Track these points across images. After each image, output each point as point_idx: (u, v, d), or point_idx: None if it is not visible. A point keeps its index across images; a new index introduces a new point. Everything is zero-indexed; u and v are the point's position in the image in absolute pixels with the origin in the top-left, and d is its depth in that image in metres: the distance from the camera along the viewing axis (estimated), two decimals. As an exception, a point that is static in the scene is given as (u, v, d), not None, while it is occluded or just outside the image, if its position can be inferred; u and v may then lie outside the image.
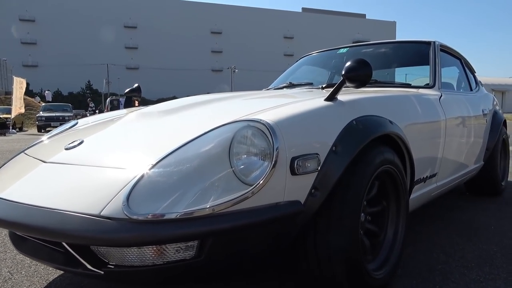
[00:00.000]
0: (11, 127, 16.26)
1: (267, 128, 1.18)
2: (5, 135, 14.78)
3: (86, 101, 25.75)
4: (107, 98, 21.66)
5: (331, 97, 1.46)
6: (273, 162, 1.13)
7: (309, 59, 3.26)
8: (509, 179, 3.52)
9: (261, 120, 1.21)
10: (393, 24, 77.30)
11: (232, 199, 1.09)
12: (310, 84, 2.70)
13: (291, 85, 2.73)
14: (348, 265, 1.32)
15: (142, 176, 1.13)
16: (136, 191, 1.08)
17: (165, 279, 1.16)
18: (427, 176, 1.98)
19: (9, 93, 20.89)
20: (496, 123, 3.05)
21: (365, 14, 78.23)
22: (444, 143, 2.07)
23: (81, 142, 1.47)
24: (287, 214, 1.18)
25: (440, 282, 1.60)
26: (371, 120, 1.47)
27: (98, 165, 1.28)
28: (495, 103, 3.32)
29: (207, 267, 1.15)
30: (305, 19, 70.41)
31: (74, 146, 1.45)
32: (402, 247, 1.63)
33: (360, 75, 1.44)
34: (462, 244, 2.03)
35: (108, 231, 1.02)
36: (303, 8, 74.80)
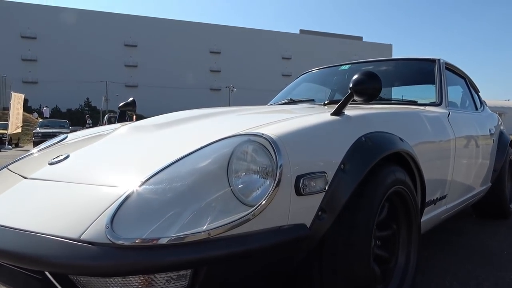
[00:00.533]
0: (7, 143, 16.11)
1: (270, 143, 1.07)
2: (0, 151, 14.61)
3: (85, 117, 25.69)
4: (105, 115, 21.60)
5: (338, 112, 1.36)
6: (276, 181, 1.02)
7: (309, 76, 3.18)
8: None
9: (263, 134, 1.10)
10: (389, 47, 78.41)
11: (231, 222, 0.97)
12: (312, 100, 2.61)
13: (291, 102, 2.64)
14: (358, 296, 1.18)
15: (129, 195, 1.01)
16: (122, 212, 0.96)
17: (153, 312, 1.03)
18: (437, 198, 1.87)
19: (7, 108, 20.81)
20: (503, 143, 2.95)
21: (362, 37, 79.44)
22: (453, 163, 1.96)
23: (67, 157, 1.36)
24: (291, 239, 1.06)
25: (456, 315, 1.46)
26: (380, 137, 1.37)
27: (82, 182, 1.15)
28: (500, 123, 3.24)
29: (201, 299, 1.01)
30: (303, 40, 71.34)
31: (59, 161, 1.34)
32: (415, 274, 1.49)
33: (368, 88, 1.34)
34: (475, 271, 1.89)
35: (88, 257, 0.89)
36: (301, 30, 75.88)
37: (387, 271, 1.45)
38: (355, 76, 1.36)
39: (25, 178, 1.30)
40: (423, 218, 1.74)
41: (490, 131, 2.74)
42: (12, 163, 1.63)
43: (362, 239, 1.18)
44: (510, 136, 3.19)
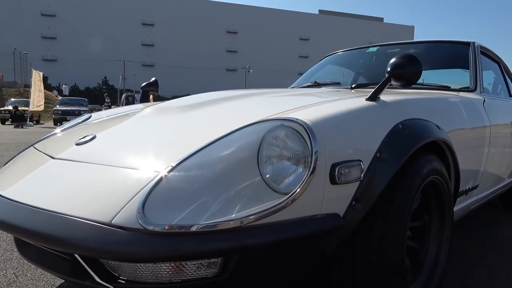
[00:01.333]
0: (28, 120, 16.44)
1: (305, 129, 1.02)
2: (22, 127, 14.93)
3: (103, 96, 25.96)
4: (122, 94, 21.77)
5: (374, 97, 1.29)
6: (311, 169, 0.97)
7: (334, 58, 3.09)
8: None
9: (297, 119, 1.05)
10: (411, 29, 76.16)
11: (263, 211, 0.93)
12: (337, 83, 2.53)
13: (316, 84, 2.57)
14: (390, 289, 1.15)
15: (160, 180, 0.98)
16: (152, 197, 0.93)
17: (182, 299, 1.01)
18: (469, 188, 1.80)
19: (28, 86, 21.16)
20: (536, 132, 2.82)
21: (383, 18, 77.29)
22: (488, 152, 1.88)
23: (93, 138, 1.33)
24: (324, 229, 1.02)
25: (487, 309, 1.42)
26: (418, 124, 1.30)
27: (110, 164, 1.13)
28: (533, 110, 3.09)
29: (230, 287, 0.99)
30: (322, 21, 69.84)
31: (86, 142, 1.32)
32: (445, 266, 1.45)
33: (407, 73, 1.27)
34: (505, 264, 1.83)
35: (120, 243, 0.87)
36: (319, 10, 74.24)
37: (417, 263, 1.41)
38: (393, 59, 1.29)
39: (53, 158, 1.29)
40: (454, 209, 1.67)
41: (524, 119, 2.62)
42: (38, 141, 1.62)
43: (397, 231, 1.14)
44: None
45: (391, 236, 1.13)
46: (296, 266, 1.06)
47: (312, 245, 1.03)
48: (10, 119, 16.41)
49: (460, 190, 1.65)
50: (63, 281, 1.62)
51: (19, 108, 16.23)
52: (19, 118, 15.70)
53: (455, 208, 1.68)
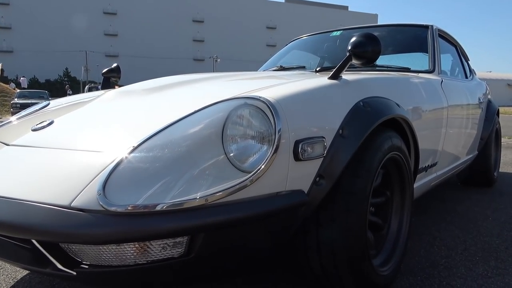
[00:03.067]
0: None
1: (268, 107, 1.02)
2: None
3: (64, 88, 24.96)
4: (85, 86, 21.02)
5: (336, 76, 1.31)
6: (274, 146, 0.98)
7: (299, 43, 3.10)
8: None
9: (260, 97, 1.05)
10: (375, 17, 77.72)
11: (228, 188, 0.93)
12: (303, 67, 2.55)
13: (282, 69, 2.57)
14: (354, 262, 1.18)
15: (121, 161, 0.96)
16: (113, 178, 0.91)
17: (149, 280, 1.00)
18: (428, 165, 1.87)
19: (-19, 78, 19.99)
20: (491, 112, 2.97)
21: (347, 6, 78.44)
22: (446, 130, 1.96)
23: (51, 123, 1.28)
24: (289, 206, 1.04)
25: (446, 278, 1.49)
26: (378, 102, 1.33)
27: (69, 148, 1.09)
28: (488, 92, 3.25)
29: (198, 267, 0.99)
30: (288, 9, 69.92)
31: (43, 127, 1.26)
32: (407, 241, 1.51)
33: (368, 51, 1.29)
34: (462, 237, 1.93)
35: (80, 225, 0.85)
36: (286, -1, 74.35)
37: (380, 238, 1.46)
38: (354, 38, 1.31)
39: (7, 145, 1.23)
40: (415, 185, 1.74)
41: (479, 99, 2.75)
42: (-8, 130, 1.54)
43: (360, 206, 1.17)
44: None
45: (354, 211, 1.16)
46: (262, 243, 1.08)
47: (277, 221, 1.04)
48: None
49: (420, 167, 1.71)
50: (25, 273, 1.57)
51: (-27, 102, 15.33)
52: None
53: (415, 185, 1.75)
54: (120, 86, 2.58)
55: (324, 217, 1.15)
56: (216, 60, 46.21)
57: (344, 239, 1.15)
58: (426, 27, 2.44)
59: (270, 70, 2.59)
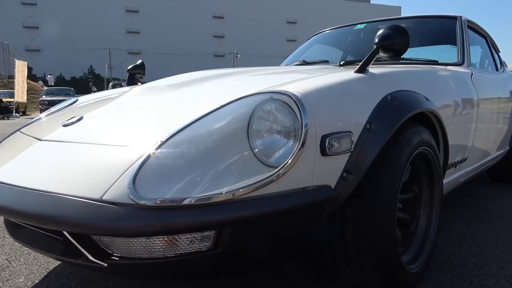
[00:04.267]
0: (14, 111, 16.14)
1: (295, 102, 1.01)
2: (8, 119, 14.67)
3: (89, 85, 25.55)
4: (109, 83, 21.48)
5: (362, 69, 1.29)
6: (301, 141, 0.97)
7: (321, 37, 3.06)
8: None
9: (286, 92, 1.04)
10: (398, 9, 75.90)
11: (254, 183, 0.93)
12: (326, 61, 2.52)
13: (304, 63, 2.55)
14: (381, 259, 1.17)
15: (150, 155, 0.97)
16: (143, 172, 0.93)
17: (177, 273, 1.02)
18: (458, 160, 1.82)
19: (12, 77, 20.70)
20: (523, 106, 2.86)
21: (370, -1, 76.94)
22: (476, 124, 1.90)
23: (80, 118, 1.31)
24: (315, 201, 1.03)
25: (477, 276, 1.45)
26: (407, 96, 1.30)
27: (99, 142, 1.12)
28: (519, 85, 3.13)
29: (225, 260, 1.00)
30: (309, 3, 69.09)
31: (73, 123, 1.30)
32: (436, 238, 1.47)
33: (395, 43, 1.27)
34: (493, 235, 1.88)
35: (112, 218, 0.86)
36: (307, -7, 73.52)
37: (408, 234, 1.43)
38: (381, 31, 1.28)
39: (40, 140, 1.27)
40: (444, 181, 1.70)
41: (511, 93, 2.65)
42: (24, 126, 1.59)
43: (387, 201, 1.15)
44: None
45: (382, 206, 1.14)
46: (288, 238, 1.07)
47: (303, 216, 1.04)
48: (-5, 111, 16.09)
49: (449, 163, 1.67)
50: (57, 264, 1.62)
51: (3, 100, 15.89)
52: (4, 110, 15.40)
53: (444, 181, 1.71)
54: (143, 82, 2.62)
55: (351, 212, 1.14)
56: (236, 56, 46.28)
57: (371, 235, 1.14)
58: (454, 18, 2.37)
59: (293, 65, 2.56)
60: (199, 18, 62.99)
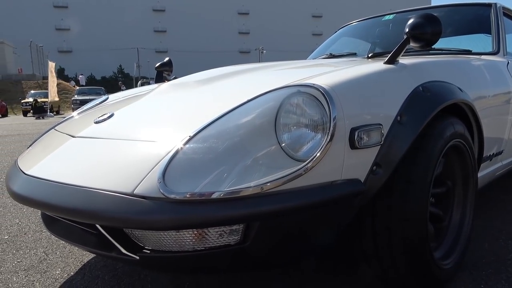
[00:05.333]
0: (48, 111, 16.79)
1: (323, 94, 1.00)
2: (43, 118, 15.28)
3: (118, 84, 26.21)
4: (138, 82, 21.96)
5: (392, 60, 1.25)
6: (330, 134, 0.96)
7: (348, 29, 3.01)
8: None
9: (314, 84, 1.03)
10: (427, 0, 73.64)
11: (283, 177, 0.92)
12: (353, 54, 2.47)
13: (331, 57, 2.51)
14: (413, 255, 1.14)
15: (179, 150, 0.98)
16: (172, 167, 0.94)
17: (207, 266, 1.03)
18: (493, 153, 1.75)
19: (46, 78, 21.51)
20: None
21: (398, -10, 74.85)
22: (513, 116, 1.82)
23: (111, 115, 1.35)
24: (345, 195, 1.01)
25: (515, 274, 1.39)
26: (439, 86, 1.26)
27: (130, 138, 1.14)
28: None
29: (253, 254, 1.00)
30: (335, -4, 68.15)
31: (104, 120, 1.33)
32: (470, 233, 1.42)
33: (427, 33, 1.22)
34: (532, 231, 1.79)
35: (143, 212, 0.88)
36: (332, -15, 72.32)
37: (441, 230, 1.39)
38: (412, 20, 1.24)
39: (73, 136, 1.31)
40: (478, 175, 1.64)
41: (550, 82, 2.51)
42: (58, 124, 1.65)
43: (419, 195, 1.12)
44: None
45: (413, 201, 1.11)
46: (317, 232, 1.06)
47: (332, 210, 1.02)
48: (31, 111, 16.79)
49: (484, 156, 1.61)
50: (91, 257, 1.68)
51: (38, 100, 16.56)
52: (39, 110, 16.05)
53: (479, 174, 1.64)
54: (170, 80, 2.65)
55: (381, 207, 1.11)
56: (261, 52, 46.21)
57: (402, 230, 1.11)
58: (489, 5, 2.26)
59: (320, 58, 2.53)
60: (224, 15, 63.28)
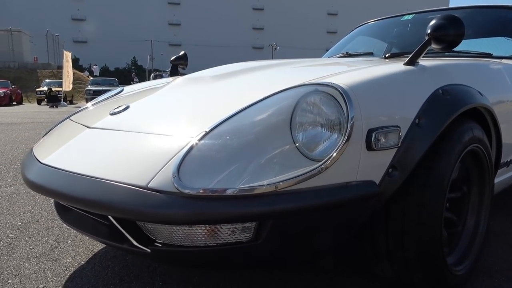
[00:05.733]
0: (62, 100, 16.99)
1: (341, 94, 0.98)
2: (57, 107, 15.46)
3: (131, 76, 26.42)
4: (151, 74, 22.11)
5: (412, 61, 1.23)
6: (346, 135, 0.94)
7: (365, 28, 2.97)
8: None
9: (332, 83, 1.01)
10: (445, 0, 72.43)
11: (297, 176, 0.92)
12: (370, 54, 2.44)
13: (348, 55, 2.49)
14: (426, 259, 1.12)
15: (194, 145, 0.98)
16: (187, 162, 0.94)
17: (217, 262, 1.03)
18: (511, 159, 1.71)
19: (61, 67, 21.75)
20: None
21: (415, -11, 73.77)
22: (532, 122, 1.77)
23: (127, 108, 1.35)
24: (359, 196, 1.00)
25: (529, 283, 1.37)
26: (459, 90, 1.23)
27: (145, 131, 1.14)
28: None
29: (264, 253, 0.99)
30: (351, -6, 67.49)
31: (119, 112, 1.33)
32: (484, 240, 1.40)
33: (450, 34, 1.20)
34: (548, 240, 1.76)
35: (157, 205, 0.88)
36: (349, -17, 71.59)
37: (454, 235, 1.37)
38: (434, 21, 1.22)
39: (88, 127, 1.32)
40: (495, 181, 1.61)
41: None
42: (74, 114, 1.66)
43: (435, 200, 1.10)
44: None
45: (429, 205, 1.09)
46: (329, 233, 1.05)
47: (346, 212, 1.01)
48: (45, 100, 17.01)
49: (501, 161, 1.58)
50: (101, 247, 1.69)
51: (53, 89, 16.75)
52: (53, 99, 16.24)
53: (496, 180, 1.61)
54: (184, 74, 2.65)
55: (396, 210, 1.10)
56: (275, 48, 46.06)
57: (416, 234, 1.09)
58: (510, 8, 2.21)
59: (336, 57, 2.51)
60: (239, 10, 63.20)
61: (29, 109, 14.13)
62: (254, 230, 0.95)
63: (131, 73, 32.14)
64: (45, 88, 17.76)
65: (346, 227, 1.07)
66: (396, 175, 1.04)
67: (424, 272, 1.14)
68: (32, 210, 2.22)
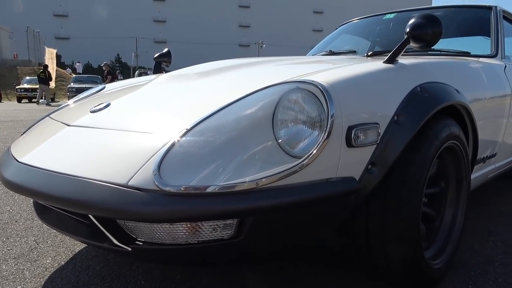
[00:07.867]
0: (43, 98, 16.64)
1: (321, 91, 0.99)
2: (38, 105, 15.15)
3: (115, 73, 26.01)
4: (135, 71, 21.85)
5: (392, 60, 1.25)
6: (327, 132, 0.96)
7: (349, 27, 3.00)
8: None
9: (313, 81, 1.03)
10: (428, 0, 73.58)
11: (278, 173, 0.92)
12: (353, 52, 2.47)
13: (331, 53, 2.51)
14: (405, 253, 1.14)
15: (175, 143, 0.98)
16: (168, 159, 0.94)
17: (199, 259, 1.03)
18: (487, 156, 1.76)
19: (41, 64, 21.31)
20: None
21: (399, -12, 74.69)
22: (507, 119, 1.83)
23: (108, 105, 1.34)
24: (339, 193, 1.02)
25: (503, 275, 1.41)
26: (437, 88, 1.26)
27: (125, 129, 1.13)
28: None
29: (246, 249, 1.00)
30: (336, -7, 67.93)
31: (100, 109, 1.32)
32: (460, 234, 1.44)
33: (427, 33, 1.22)
34: (522, 233, 1.81)
35: (137, 203, 0.88)
36: (334, -19, 72.03)
37: (432, 230, 1.40)
38: (413, 20, 1.24)
39: (68, 125, 1.30)
40: (471, 176, 1.65)
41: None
42: (54, 112, 1.64)
43: (413, 195, 1.13)
44: None
45: (407, 200, 1.12)
46: (311, 229, 1.07)
47: (326, 208, 1.03)
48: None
49: (478, 158, 1.62)
50: (82, 247, 1.67)
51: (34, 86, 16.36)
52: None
53: (472, 176, 1.66)
54: (168, 71, 2.63)
55: (375, 205, 1.12)
56: (261, 46, 46.08)
57: (395, 229, 1.12)
58: (489, 8, 2.27)
59: (320, 55, 2.53)
60: (225, 8, 62.98)
61: (8, 107, 13.80)
62: (236, 227, 0.95)
63: (115, 71, 31.70)
64: (26, 86, 17.35)
65: (327, 223, 1.08)
66: (376, 171, 1.06)
67: (404, 266, 1.16)
68: (11, 210, 2.18)
